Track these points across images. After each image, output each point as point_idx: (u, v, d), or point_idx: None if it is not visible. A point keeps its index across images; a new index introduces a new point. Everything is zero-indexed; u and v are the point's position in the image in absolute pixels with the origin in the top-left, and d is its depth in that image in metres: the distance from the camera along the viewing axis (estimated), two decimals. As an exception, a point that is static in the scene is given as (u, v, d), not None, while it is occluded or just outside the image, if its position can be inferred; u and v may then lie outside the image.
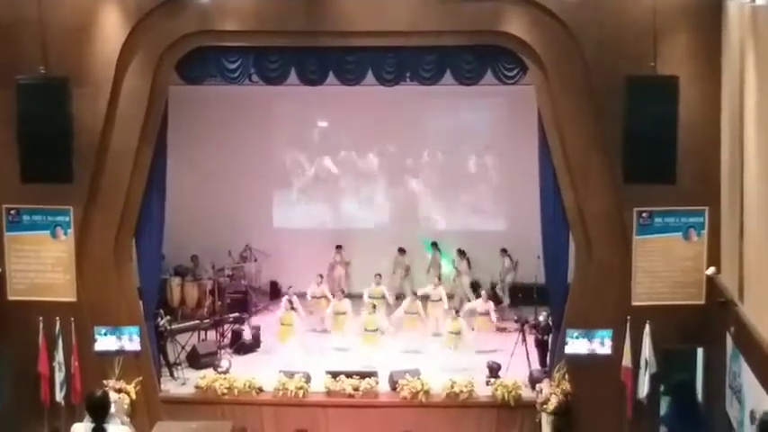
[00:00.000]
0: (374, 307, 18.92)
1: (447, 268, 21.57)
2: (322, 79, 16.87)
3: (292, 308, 18.70)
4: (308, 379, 17.19)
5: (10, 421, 16.19)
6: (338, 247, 21.35)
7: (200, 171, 21.35)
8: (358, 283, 21.08)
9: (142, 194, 16.48)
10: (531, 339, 18.01)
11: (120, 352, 16.55)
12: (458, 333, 18.29)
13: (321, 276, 20.48)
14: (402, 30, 15.83)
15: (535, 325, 18.02)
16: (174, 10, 15.68)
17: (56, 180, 15.20)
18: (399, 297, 20.58)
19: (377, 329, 18.55)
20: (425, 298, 19.83)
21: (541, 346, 17.89)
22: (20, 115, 14.87)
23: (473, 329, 18.96)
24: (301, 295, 19.75)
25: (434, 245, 21.66)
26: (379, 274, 20.37)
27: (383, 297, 19.89)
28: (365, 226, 22.29)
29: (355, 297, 20.09)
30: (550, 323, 17.64)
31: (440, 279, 20.39)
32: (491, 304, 19.24)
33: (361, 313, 19.11)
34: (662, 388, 15.60)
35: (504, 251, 21.18)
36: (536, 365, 17.72)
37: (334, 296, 19.68)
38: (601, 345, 16.19)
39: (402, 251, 21.58)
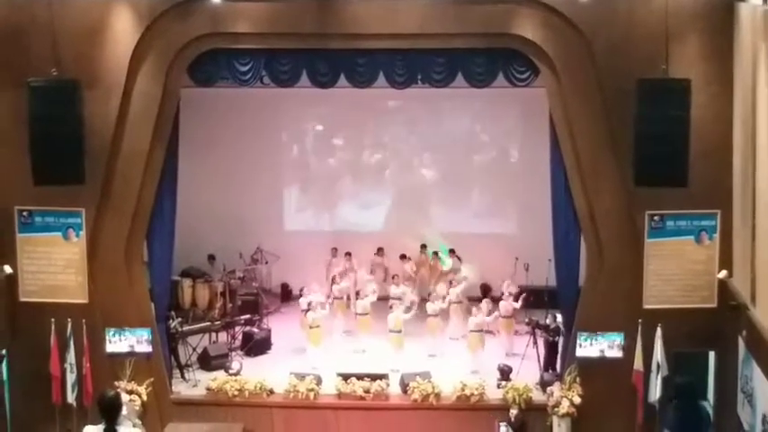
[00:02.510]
0: (391, 307, 18.89)
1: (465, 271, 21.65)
2: (333, 82, 16.88)
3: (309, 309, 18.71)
4: (318, 381, 17.19)
5: (22, 422, 16.23)
6: (347, 253, 21.28)
7: (211, 173, 21.35)
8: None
9: (154, 196, 16.52)
10: (541, 342, 17.99)
11: (132, 354, 16.62)
12: (480, 331, 18.23)
13: (339, 276, 20.47)
14: (413, 32, 15.83)
15: (544, 327, 17.98)
16: (185, 12, 15.72)
17: (68, 182, 15.22)
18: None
19: (401, 330, 18.50)
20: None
21: (550, 348, 17.85)
22: (32, 117, 14.91)
23: (496, 333, 18.96)
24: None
25: (452, 251, 21.60)
26: (397, 275, 20.40)
27: (400, 298, 19.87)
28: (375, 229, 22.26)
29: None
30: (559, 325, 17.62)
31: (451, 283, 20.32)
32: (512, 304, 19.14)
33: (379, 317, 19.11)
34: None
35: (452, 251, 21.32)
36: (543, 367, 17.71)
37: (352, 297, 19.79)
38: (612, 348, 16.18)
39: (380, 250, 21.45)
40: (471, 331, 18.26)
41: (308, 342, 18.52)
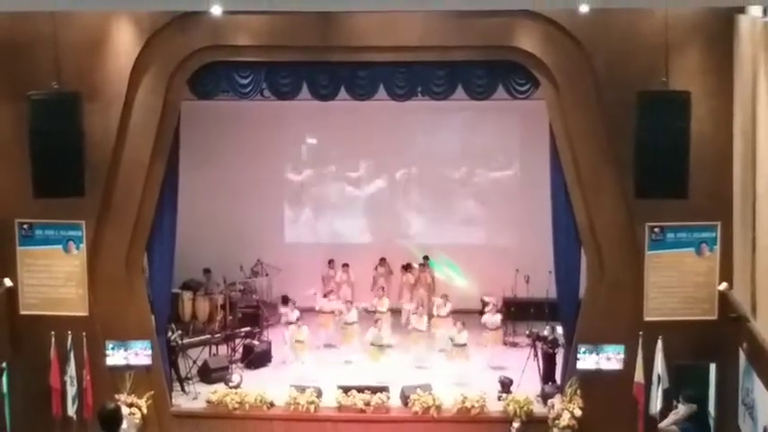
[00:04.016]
0: (376, 321, 18.92)
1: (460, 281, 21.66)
2: (333, 94, 16.89)
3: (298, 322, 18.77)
4: (319, 393, 17.18)
5: (22, 435, 16.24)
6: (344, 265, 21.26)
7: (211, 185, 21.34)
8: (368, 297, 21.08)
9: (154, 209, 16.53)
10: (541, 354, 17.99)
11: (132, 366, 16.60)
12: (463, 346, 18.22)
13: (331, 291, 20.52)
14: (413, 45, 15.86)
15: (542, 339, 17.98)
16: (186, 25, 15.73)
17: (68, 194, 15.16)
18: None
19: (390, 344, 18.51)
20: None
21: (548, 359, 17.85)
22: (32, 130, 14.86)
23: (485, 346, 18.97)
24: (306, 310, 19.75)
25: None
26: (383, 288, 20.44)
27: (388, 311, 19.90)
28: (375, 241, 22.25)
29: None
30: (557, 336, 17.63)
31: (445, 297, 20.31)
32: (499, 318, 19.16)
33: (367, 328, 19.12)
34: (675, 403, 15.52)
35: (418, 260, 21.46)
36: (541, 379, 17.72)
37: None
38: (612, 360, 16.16)
39: (383, 261, 21.51)
40: (455, 345, 18.28)
41: (292, 354, 18.61)
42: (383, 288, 20.44)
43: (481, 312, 20.15)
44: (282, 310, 19.56)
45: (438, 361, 18.95)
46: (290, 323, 18.96)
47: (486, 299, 19.93)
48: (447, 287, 21.36)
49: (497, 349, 19.13)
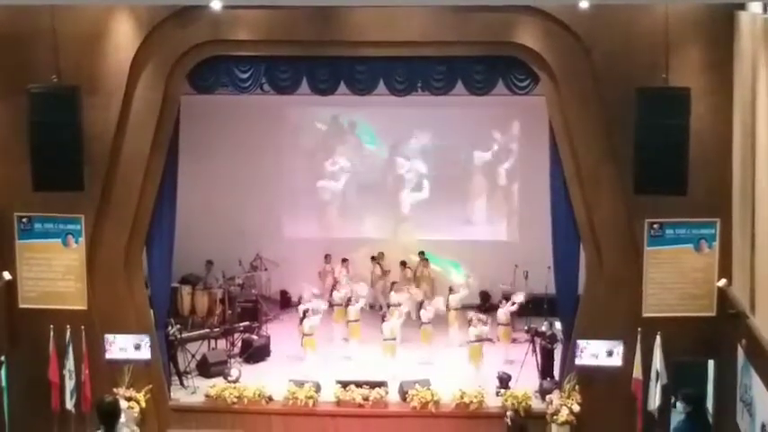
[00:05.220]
0: (383, 317, 18.91)
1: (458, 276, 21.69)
2: (333, 89, 16.89)
3: (305, 316, 18.71)
4: (317, 388, 17.19)
5: (20, 429, 16.20)
6: (344, 260, 21.30)
7: (211, 180, 21.36)
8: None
9: (153, 203, 16.52)
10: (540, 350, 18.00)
11: (131, 360, 16.58)
12: (480, 341, 18.20)
13: (338, 283, 20.56)
14: (413, 40, 15.83)
15: (541, 334, 17.98)
16: (186, 19, 15.71)
17: (67, 188, 15.19)
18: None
19: (395, 338, 18.52)
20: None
21: (546, 355, 17.84)
22: (32, 124, 14.89)
23: (495, 340, 18.98)
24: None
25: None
26: (395, 282, 20.47)
27: (399, 305, 19.91)
28: (374, 236, 22.26)
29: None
30: (555, 332, 17.63)
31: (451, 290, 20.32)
32: (510, 309, 19.17)
33: (369, 322, 19.13)
34: (672, 400, 15.54)
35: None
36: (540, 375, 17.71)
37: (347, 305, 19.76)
38: (611, 356, 16.16)
39: (380, 254, 21.61)
40: (470, 342, 18.21)
41: (304, 349, 18.55)
42: (397, 282, 20.54)
43: (479, 307, 20.20)
44: (302, 306, 19.19)
45: (445, 355, 18.94)
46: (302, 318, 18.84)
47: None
48: (446, 281, 21.36)
49: (507, 345, 19.14)
